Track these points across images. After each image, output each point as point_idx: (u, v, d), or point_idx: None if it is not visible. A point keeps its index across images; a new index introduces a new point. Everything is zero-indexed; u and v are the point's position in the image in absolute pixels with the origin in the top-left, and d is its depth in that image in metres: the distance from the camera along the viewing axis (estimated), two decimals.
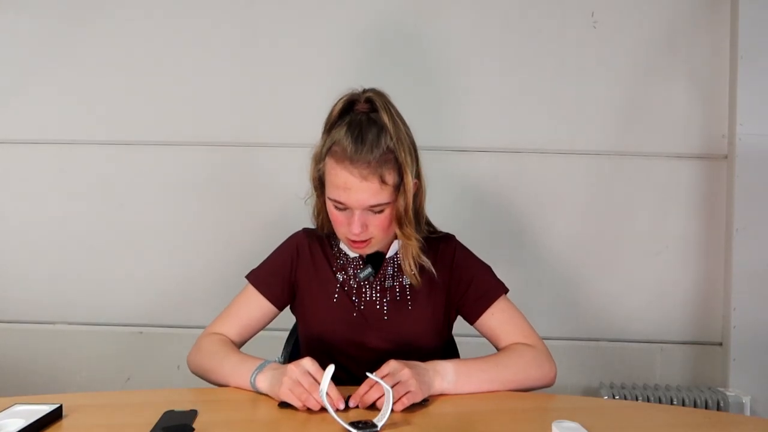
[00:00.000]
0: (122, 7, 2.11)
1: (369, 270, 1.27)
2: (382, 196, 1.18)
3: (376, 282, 1.30)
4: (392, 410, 0.99)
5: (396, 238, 1.28)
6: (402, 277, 1.30)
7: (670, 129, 2.08)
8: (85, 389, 2.07)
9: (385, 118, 1.20)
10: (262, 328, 1.33)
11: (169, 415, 1.01)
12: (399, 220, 1.21)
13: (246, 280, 1.34)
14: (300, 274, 1.33)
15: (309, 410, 1.03)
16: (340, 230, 1.23)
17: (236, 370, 1.17)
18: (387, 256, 1.31)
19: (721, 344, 2.07)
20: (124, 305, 2.12)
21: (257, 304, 1.31)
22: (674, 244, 2.09)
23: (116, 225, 2.12)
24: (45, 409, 0.99)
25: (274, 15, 2.10)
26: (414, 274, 1.26)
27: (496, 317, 1.28)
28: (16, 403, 1.01)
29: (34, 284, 2.13)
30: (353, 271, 1.31)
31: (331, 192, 1.20)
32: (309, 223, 1.36)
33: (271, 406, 1.07)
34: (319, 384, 1.02)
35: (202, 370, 1.24)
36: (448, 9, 2.08)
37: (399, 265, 1.31)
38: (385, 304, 1.29)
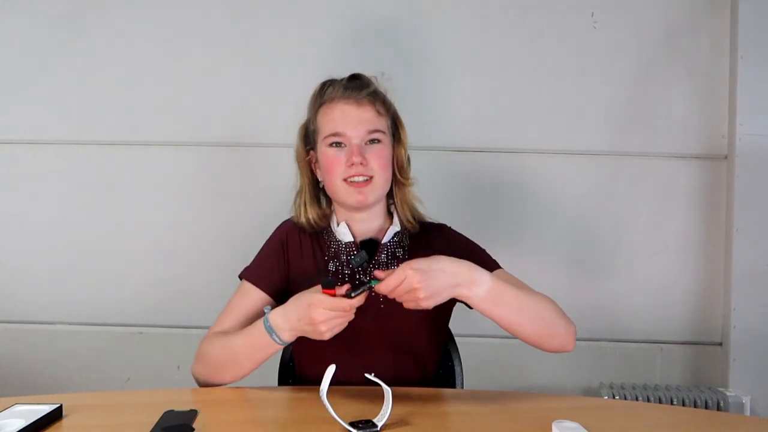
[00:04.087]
0: (122, 7, 2.11)
1: (363, 255, 1.19)
2: (380, 123, 1.26)
3: (370, 269, 1.28)
4: (391, 409, 0.99)
5: (391, 224, 1.32)
6: (396, 265, 1.27)
7: (670, 129, 2.07)
8: (85, 389, 2.07)
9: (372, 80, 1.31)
10: None
11: (169, 415, 1.00)
12: (400, 166, 1.31)
13: (240, 280, 1.31)
14: (291, 262, 1.31)
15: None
16: (338, 172, 1.24)
17: (248, 336, 1.15)
18: (383, 242, 1.30)
19: (721, 344, 2.07)
20: (125, 305, 2.12)
21: (254, 298, 1.27)
22: (674, 244, 2.09)
23: (116, 225, 2.12)
24: (45, 409, 0.99)
25: (274, 15, 2.10)
26: (410, 220, 1.32)
27: (502, 277, 1.19)
28: (16, 403, 1.01)
29: (34, 284, 2.13)
30: (346, 258, 1.29)
31: (326, 129, 1.26)
32: None
33: (271, 406, 1.07)
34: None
35: (212, 371, 1.20)
36: (448, 8, 2.08)
37: (393, 253, 1.30)
38: None
